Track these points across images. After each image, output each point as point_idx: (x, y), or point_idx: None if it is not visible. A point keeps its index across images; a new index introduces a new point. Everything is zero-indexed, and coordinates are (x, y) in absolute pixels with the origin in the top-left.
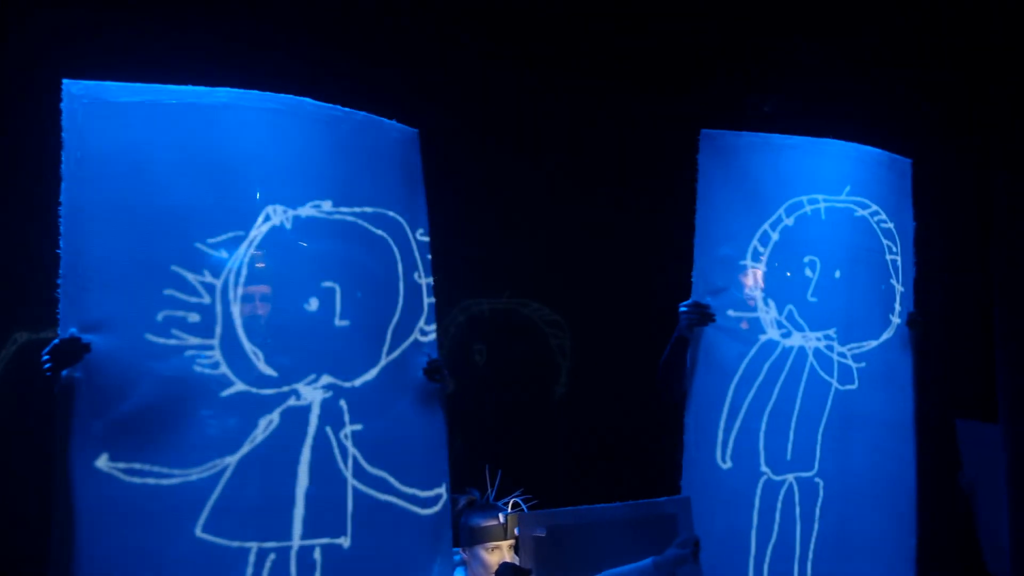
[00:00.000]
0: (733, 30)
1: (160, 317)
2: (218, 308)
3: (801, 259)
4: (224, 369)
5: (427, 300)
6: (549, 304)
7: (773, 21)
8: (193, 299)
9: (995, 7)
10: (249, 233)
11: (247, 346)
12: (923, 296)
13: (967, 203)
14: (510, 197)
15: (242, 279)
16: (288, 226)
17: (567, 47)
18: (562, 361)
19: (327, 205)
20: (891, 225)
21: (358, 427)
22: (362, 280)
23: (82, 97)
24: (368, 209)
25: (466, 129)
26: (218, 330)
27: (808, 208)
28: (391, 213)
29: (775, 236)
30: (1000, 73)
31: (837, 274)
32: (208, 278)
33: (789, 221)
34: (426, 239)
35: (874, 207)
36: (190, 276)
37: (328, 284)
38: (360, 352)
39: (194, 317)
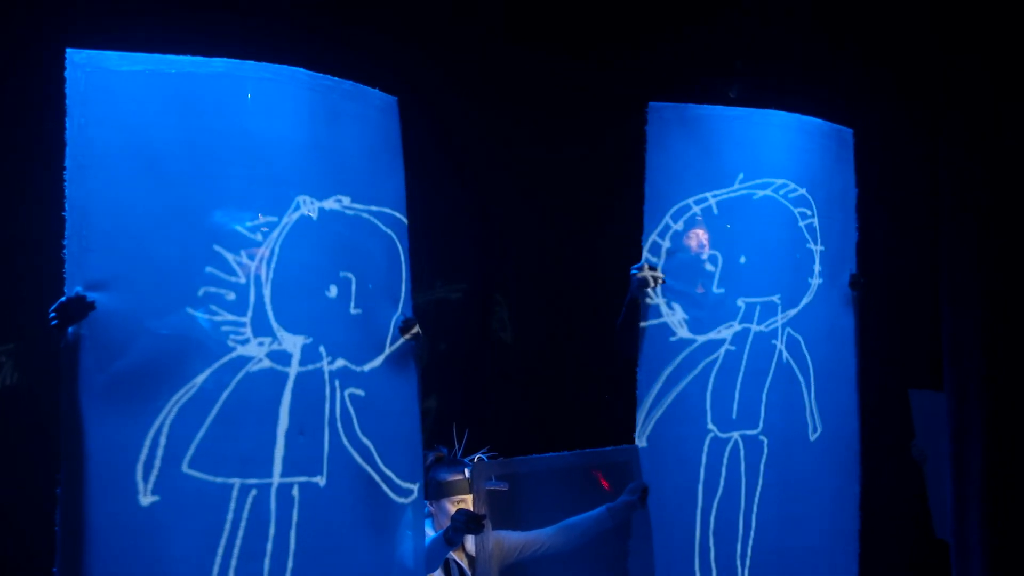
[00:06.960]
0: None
1: (200, 292)
2: (251, 288)
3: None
4: (253, 346)
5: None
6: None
7: None
8: (231, 278)
9: None
10: (282, 220)
11: (274, 325)
12: (868, 260)
13: (913, 169)
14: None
15: (274, 263)
16: (315, 217)
17: (523, 23)
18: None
19: (347, 200)
20: (802, 191)
21: (358, 391)
22: (373, 274)
23: (85, 66)
24: (376, 208)
25: (435, 101)
26: (250, 309)
27: (697, 209)
28: (396, 214)
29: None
30: (948, 43)
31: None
32: (244, 259)
33: (697, 211)
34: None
35: (778, 182)
36: (230, 256)
37: (345, 274)
38: (370, 340)
39: (231, 295)
